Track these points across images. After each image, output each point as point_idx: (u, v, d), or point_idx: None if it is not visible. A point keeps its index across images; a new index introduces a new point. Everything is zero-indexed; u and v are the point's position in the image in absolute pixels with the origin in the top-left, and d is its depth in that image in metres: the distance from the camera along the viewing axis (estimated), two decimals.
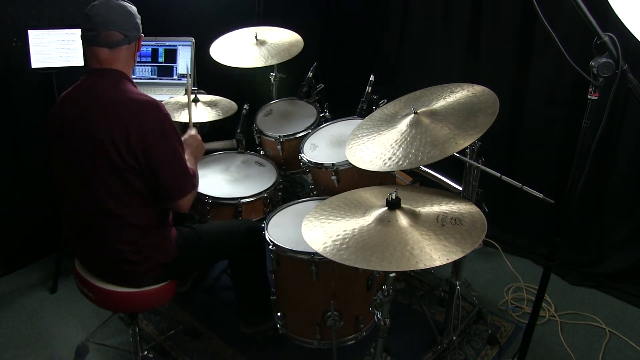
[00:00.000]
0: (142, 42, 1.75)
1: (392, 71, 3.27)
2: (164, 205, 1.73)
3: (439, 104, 1.72)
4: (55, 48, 2.50)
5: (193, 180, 1.72)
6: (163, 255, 1.76)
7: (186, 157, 1.74)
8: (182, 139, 1.83)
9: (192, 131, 2.00)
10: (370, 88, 2.43)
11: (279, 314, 2.04)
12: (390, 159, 1.59)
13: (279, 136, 2.44)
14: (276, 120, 2.61)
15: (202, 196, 2.19)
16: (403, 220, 1.40)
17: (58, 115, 1.65)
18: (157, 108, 1.60)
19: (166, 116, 1.62)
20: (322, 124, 2.49)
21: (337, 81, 2.93)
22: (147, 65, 2.88)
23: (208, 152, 2.44)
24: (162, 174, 1.61)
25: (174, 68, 2.87)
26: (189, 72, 2.07)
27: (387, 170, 1.58)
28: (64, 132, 1.63)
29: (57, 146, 1.66)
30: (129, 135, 1.54)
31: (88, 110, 1.57)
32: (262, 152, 2.59)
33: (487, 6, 2.73)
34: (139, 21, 1.70)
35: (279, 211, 2.10)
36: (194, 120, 2.13)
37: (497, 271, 2.73)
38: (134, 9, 1.68)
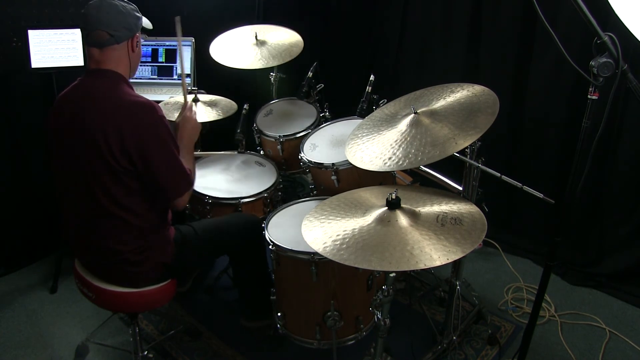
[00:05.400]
0: (143, 42, 1.73)
1: (392, 71, 3.27)
2: (162, 204, 1.73)
3: (439, 104, 1.72)
4: (55, 48, 2.50)
5: (188, 178, 1.71)
6: (163, 254, 1.76)
7: (181, 152, 1.72)
8: (178, 122, 1.84)
9: (187, 112, 1.91)
10: (370, 88, 2.43)
11: (279, 314, 2.04)
12: (390, 159, 1.59)
13: (279, 136, 2.44)
14: (276, 120, 2.61)
15: (202, 196, 2.19)
16: (403, 220, 1.40)
17: (56, 116, 1.65)
18: (152, 110, 1.59)
19: (161, 118, 1.61)
20: (322, 123, 2.48)
21: (337, 81, 2.92)
22: (147, 65, 2.88)
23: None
24: (158, 176, 1.62)
25: (174, 68, 2.87)
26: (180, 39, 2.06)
27: (387, 170, 1.58)
28: (62, 133, 1.63)
29: (56, 147, 1.67)
30: (123, 137, 1.54)
31: (84, 111, 1.57)
32: (262, 152, 2.59)
33: (487, 6, 2.73)
34: (134, 20, 1.65)
35: (279, 211, 2.10)
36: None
37: (497, 271, 2.73)
38: (128, 8, 1.63)
